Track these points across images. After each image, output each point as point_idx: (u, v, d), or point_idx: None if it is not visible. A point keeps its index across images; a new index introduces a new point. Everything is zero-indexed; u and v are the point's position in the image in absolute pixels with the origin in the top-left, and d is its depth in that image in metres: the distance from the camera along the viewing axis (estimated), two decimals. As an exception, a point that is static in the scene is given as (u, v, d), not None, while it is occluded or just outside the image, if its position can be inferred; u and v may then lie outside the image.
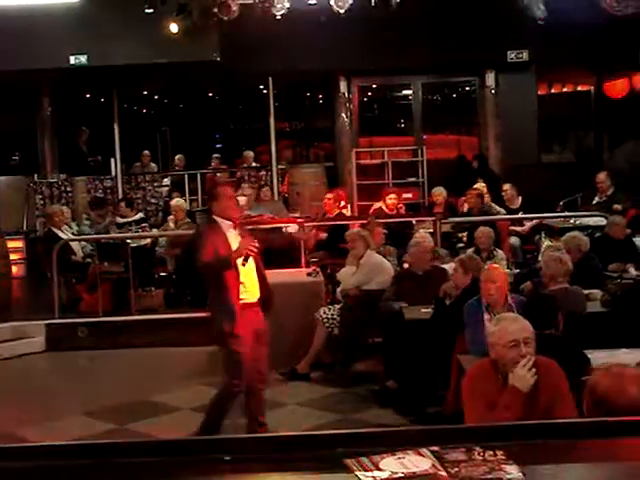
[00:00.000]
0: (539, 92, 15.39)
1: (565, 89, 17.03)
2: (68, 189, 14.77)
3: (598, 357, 5.28)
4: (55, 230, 11.21)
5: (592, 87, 16.29)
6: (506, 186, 12.40)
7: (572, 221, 11.14)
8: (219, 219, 6.37)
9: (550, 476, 2.31)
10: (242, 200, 12.53)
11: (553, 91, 16.79)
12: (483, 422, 4.06)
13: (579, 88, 16.91)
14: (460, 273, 7.28)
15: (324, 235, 11.58)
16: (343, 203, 12.40)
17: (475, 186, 12.10)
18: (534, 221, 11.63)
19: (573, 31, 12.84)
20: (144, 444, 2.49)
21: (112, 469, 2.33)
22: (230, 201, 6.42)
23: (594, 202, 11.98)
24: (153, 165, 16.97)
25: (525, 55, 14.24)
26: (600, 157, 15.86)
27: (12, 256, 12.18)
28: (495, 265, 6.89)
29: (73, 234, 11.63)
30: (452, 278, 7.54)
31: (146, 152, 16.76)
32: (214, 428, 6.39)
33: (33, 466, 2.36)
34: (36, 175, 15.30)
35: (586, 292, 7.19)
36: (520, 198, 12.13)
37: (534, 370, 4.24)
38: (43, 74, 13.44)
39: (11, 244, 12.44)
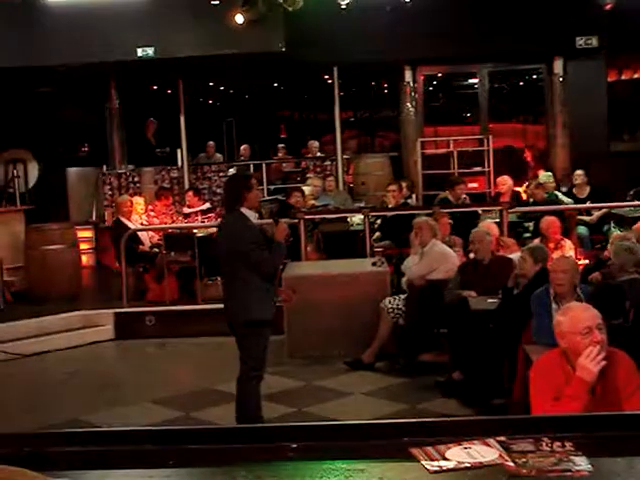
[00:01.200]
0: (609, 79, 15.09)
1: (636, 75, 16.67)
2: (136, 179, 14.98)
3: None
4: (123, 220, 11.37)
5: (664, 73, 15.95)
6: (579, 172, 12.18)
7: (642, 211, 10.93)
8: (248, 211, 6.41)
9: (620, 469, 2.28)
10: (307, 190, 12.59)
11: (623, 77, 16.45)
12: (550, 413, 4.01)
13: (650, 75, 16.55)
14: (529, 263, 7.19)
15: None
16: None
17: (539, 176, 11.94)
18: (602, 210, 11.44)
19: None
20: (212, 431, 2.52)
21: (178, 455, 2.35)
22: (258, 192, 6.61)
23: (665, 191, 11.73)
24: (218, 155, 17.10)
25: (594, 41, 13.94)
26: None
27: (82, 246, 12.41)
28: (566, 255, 6.79)
29: (141, 224, 11.79)
30: (520, 268, 7.45)
31: (211, 143, 16.89)
32: (254, 420, 6.48)
33: (100, 450, 2.40)
34: (105, 166, 15.53)
35: (657, 283, 7.04)
36: (589, 187, 11.94)
37: (599, 359, 4.16)
38: (111, 67, 13.63)
39: (81, 234, 12.68)
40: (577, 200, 11.79)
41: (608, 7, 12.70)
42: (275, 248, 6.40)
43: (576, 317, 4.33)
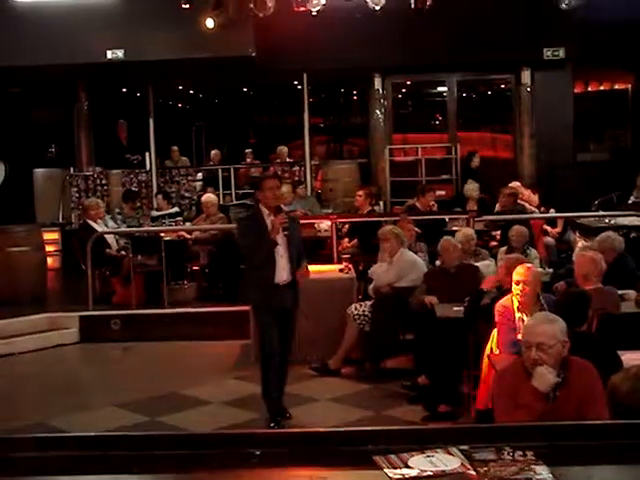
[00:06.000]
0: (575, 90, 15.26)
1: (602, 87, 16.87)
2: (103, 182, 14.90)
3: (632, 358, 5.22)
4: (90, 223, 11.29)
5: (629, 85, 16.13)
6: (522, 189, 12.31)
7: (607, 220, 11.02)
8: (263, 207, 7.11)
9: (580, 477, 2.31)
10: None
11: (590, 89, 16.64)
12: (509, 421, 4.05)
13: (616, 86, 16.75)
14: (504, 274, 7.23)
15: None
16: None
17: (510, 185, 12.01)
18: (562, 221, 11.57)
19: (611, 29, 12.71)
20: (176, 437, 2.52)
21: (142, 460, 2.35)
22: (270, 192, 7.08)
23: (630, 201, 11.87)
24: (185, 159, 17.02)
25: (562, 53, 14.11)
26: (637, 156, 15.71)
27: (48, 248, 12.31)
28: (527, 265, 6.84)
29: (107, 227, 11.71)
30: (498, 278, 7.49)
31: (174, 147, 16.76)
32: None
33: (64, 456, 2.39)
34: (72, 168, 15.44)
35: (620, 292, 7.12)
36: (536, 195, 12.09)
37: (554, 371, 4.22)
38: (80, 69, 13.55)
39: (47, 236, 12.57)
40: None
41: (567, 5, 12.77)
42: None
43: (527, 328, 4.44)
